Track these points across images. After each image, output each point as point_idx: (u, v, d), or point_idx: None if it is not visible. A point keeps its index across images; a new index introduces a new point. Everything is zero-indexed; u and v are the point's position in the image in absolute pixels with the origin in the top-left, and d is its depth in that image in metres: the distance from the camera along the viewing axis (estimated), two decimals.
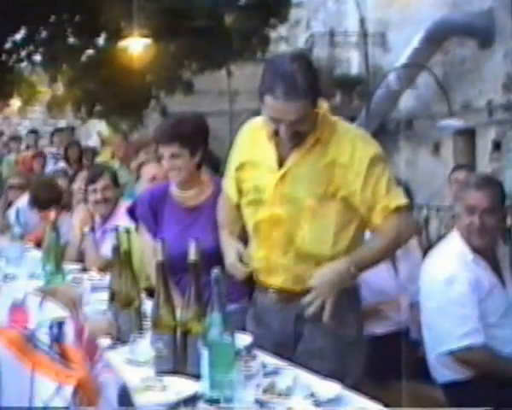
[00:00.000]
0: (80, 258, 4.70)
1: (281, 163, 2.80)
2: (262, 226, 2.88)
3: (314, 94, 2.63)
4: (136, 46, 11.19)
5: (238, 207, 3.04)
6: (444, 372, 3.36)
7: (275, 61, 2.73)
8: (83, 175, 5.57)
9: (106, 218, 4.71)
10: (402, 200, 2.78)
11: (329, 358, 2.79)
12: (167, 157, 3.45)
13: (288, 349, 2.82)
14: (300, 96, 2.58)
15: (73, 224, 4.98)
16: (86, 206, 4.91)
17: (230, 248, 2.97)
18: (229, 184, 3.08)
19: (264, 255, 2.89)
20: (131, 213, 3.74)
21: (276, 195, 2.80)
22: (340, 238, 2.78)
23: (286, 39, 16.39)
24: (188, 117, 3.59)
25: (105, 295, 3.00)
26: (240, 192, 2.99)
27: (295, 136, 2.69)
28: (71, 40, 12.88)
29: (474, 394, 3.22)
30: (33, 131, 13.65)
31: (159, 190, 3.71)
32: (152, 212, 3.60)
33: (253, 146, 2.91)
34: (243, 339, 2.58)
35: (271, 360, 2.54)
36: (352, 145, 2.74)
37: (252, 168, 2.90)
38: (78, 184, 5.65)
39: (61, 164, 9.84)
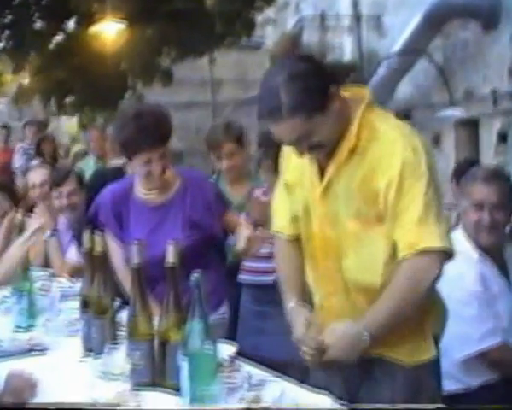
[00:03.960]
0: (47, 264, 4.70)
1: (323, 175, 2.60)
2: (316, 253, 2.71)
3: (309, 104, 2.42)
4: (110, 31, 11.18)
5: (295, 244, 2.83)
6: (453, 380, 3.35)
7: (265, 75, 2.56)
8: (40, 172, 5.37)
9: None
10: (437, 241, 2.44)
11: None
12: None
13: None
14: (287, 115, 2.41)
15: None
16: (47, 206, 4.89)
17: (297, 318, 2.66)
18: (279, 216, 2.89)
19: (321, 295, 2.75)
20: (94, 217, 3.62)
21: (321, 211, 2.63)
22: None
23: (273, 23, 16.41)
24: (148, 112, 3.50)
25: (76, 304, 3.01)
26: (295, 221, 2.79)
27: (315, 148, 2.52)
28: (38, 25, 12.84)
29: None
30: (4, 126, 13.52)
31: (120, 190, 3.63)
32: (115, 215, 3.54)
33: (299, 165, 2.70)
34: (226, 348, 2.59)
35: (257, 372, 2.56)
36: (392, 147, 2.48)
37: (300, 188, 2.72)
38: (34, 180, 5.29)
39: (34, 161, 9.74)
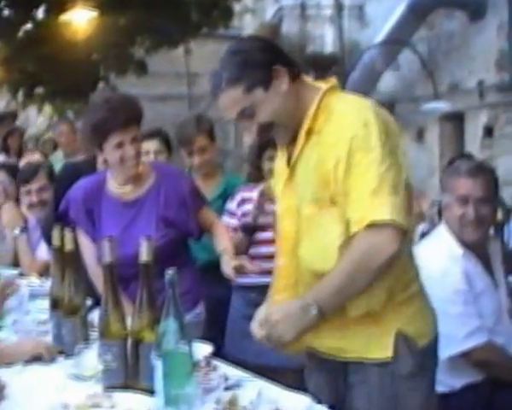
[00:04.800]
0: (16, 262, 4.69)
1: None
2: (280, 243, 2.77)
3: (247, 77, 2.50)
4: (81, 19, 11.13)
5: None
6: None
7: None
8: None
9: None
10: (389, 214, 2.37)
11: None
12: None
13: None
14: (226, 86, 2.51)
15: (2, 225, 4.93)
16: (15, 203, 4.87)
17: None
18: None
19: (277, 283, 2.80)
20: (64, 213, 3.61)
21: (284, 205, 2.70)
22: None
23: (252, 12, 16.41)
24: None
25: (46, 303, 3.01)
26: None
27: (268, 129, 2.58)
28: (5, 12, 12.75)
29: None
30: None
31: (91, 186, 3.62)
32: (87, 212, 3.54)
33: (278, 165, 2.81)
34: (202, 348, 2.60)
35: (234, 372, 2.58)
36: (343, 123, 2.49)
37: (277, 188, 2.79)
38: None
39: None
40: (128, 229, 3.43)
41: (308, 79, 2.65)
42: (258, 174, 4.30)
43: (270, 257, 4.03)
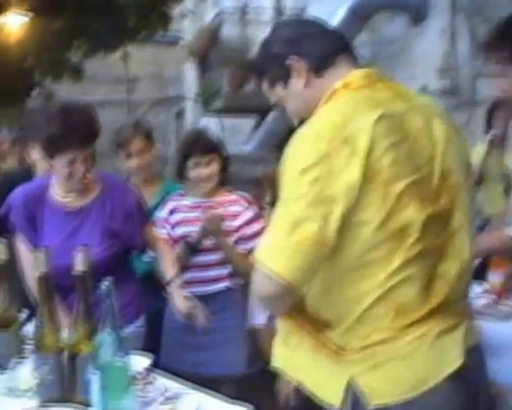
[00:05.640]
0: None
1: None
2: None
3: (269, 72, 2.41)
4: (14, 23, 11.02)
5: None
6: None
7: None
8: None
9: None
10: (264, 257, 2.15)
11: None
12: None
13: None
14: (258, 77, 2.47)
15: None
16: None
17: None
18: None
19: None
20: (4, 218, 3.59)
21: None
22: None
23: (192, 16, 16.41)
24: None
25: None
26: None
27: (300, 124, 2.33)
28: None
29: None
30: None
31: (33, 192, 3.59)
32: (28, 218, 3.52)
33: None
34: (141, 361, 2.61)
35: (173, 385, 2.59)
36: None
37: None
38: None
39: None
40: (70, 238, 3.41)
41: (344, 65, 2.38)
42: (181, 181, 4.36)
43: (206, 266, 4.11)
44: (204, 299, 3.74)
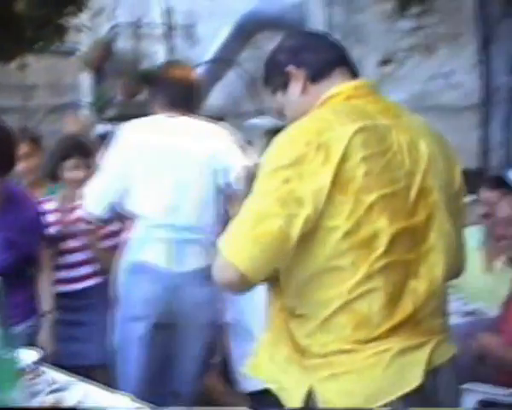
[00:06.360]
0: None
1: None
2: None
3: (270, 79, 2.45)
4: None
5: None
6: None
7: None
8: None
9: None
10: (225, 246, 2.15)
11: None
12: None
13: None
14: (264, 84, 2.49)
15: None
16: None
17: None
18: None
19: None
20: None
21: None
22: None
23: (88, 28, 16.22)
24: None
25: None
26: None
27: None
28: None
29: None
30: None
31: None
32: None
33: None
34: (30, 355, 2.63)
35: (61, 377, 2.62)
36: None
37: None
38: None
39: None
40: None
41: (339, 76, 2.36)
42: (52, 182, 4.41)
43: (75, 266, 4.18)
44: (73, 296, 3.84)
